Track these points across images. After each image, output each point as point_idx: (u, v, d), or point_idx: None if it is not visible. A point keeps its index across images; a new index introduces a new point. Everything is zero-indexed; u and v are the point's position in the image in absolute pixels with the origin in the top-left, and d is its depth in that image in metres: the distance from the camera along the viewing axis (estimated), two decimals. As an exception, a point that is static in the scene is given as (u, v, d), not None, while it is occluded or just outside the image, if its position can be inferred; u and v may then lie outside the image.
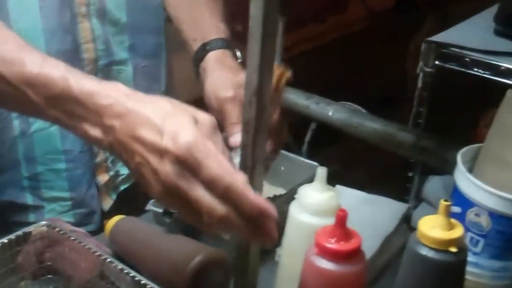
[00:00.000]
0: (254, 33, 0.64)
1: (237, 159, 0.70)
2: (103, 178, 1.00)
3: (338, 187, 1.05)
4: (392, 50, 1.87)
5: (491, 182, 0.83)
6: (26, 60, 0.60)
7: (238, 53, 0.89)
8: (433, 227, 0.69)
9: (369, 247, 0.89)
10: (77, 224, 0.95)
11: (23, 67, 0.59)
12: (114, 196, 1.02)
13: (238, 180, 0.53)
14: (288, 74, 0.74)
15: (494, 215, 0.79)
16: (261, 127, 0.70)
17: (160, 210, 0.87)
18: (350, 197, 1.02)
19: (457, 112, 1.47)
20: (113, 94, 0.57)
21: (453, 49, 1.17)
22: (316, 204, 0.72)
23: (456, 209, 0.83)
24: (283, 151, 1.07)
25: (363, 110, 1.16)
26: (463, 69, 1.17)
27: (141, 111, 0.55)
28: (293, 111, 1.09)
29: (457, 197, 0.83)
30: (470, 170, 0.87)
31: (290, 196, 0.81)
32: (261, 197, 0.61)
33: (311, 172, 1.03)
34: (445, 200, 0.70)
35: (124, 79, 0.99)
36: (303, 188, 0.74)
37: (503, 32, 1.20)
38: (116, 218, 0.90)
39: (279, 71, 0.75)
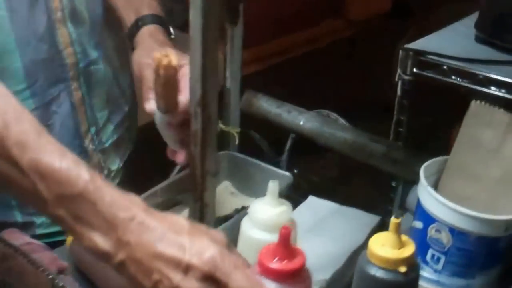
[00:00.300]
0: (194, 42, 0.63)
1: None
2: None
3: (310, 198, 1.03)
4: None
5: (456, 196, 0.81)
6: (45, 148, 0.54)
7: (172, 30, 0.93)
8: (383, 245, 0.67)
9: (338, 259, 0.87)
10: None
11: (40, 156, 0.54)
12: None
13: None
14: (169, 61, 0.72)
15: (455, 232, 0.76)
16: (209, 139, 0.69)
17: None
18: (322, 208, 1.00)
19: (438, 119, 1.44)
20: (133, 208, 0.54)
21: (431, 56, 1.14)
22: (266, 219, 0.71)
23: (418, 225, 0.81)
24: (257, 161, 1.06)
25: (341, 119, 1.14)
26: (440, 77, 1.14)
27: (161, 227, 0.53)
28: (265, 120, 1.07)
29: (420, 212, 0.81)
30: (436, 183, 0.85)
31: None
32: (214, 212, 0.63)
33: (285, 182, 1.02)
34: (396, 217, 0.68)
35: (101, 78, 1.00)
36: (254, 203, 0.72)
37: (483, 39, 1.17)
38: (77, 231, 0.89)
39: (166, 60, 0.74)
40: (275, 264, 0.62)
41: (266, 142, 1.14)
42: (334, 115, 1.14)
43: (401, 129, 1.20)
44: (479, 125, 0.80)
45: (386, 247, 0.67)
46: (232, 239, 0.75)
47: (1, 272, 0.76)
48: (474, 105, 0.81)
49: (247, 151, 1.11)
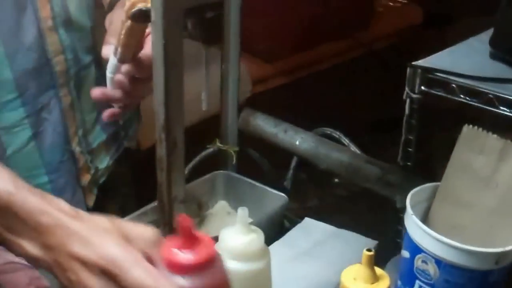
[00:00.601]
0: (157, 65, 0.62)
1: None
2: (85, 179, 1.02)
3: (306, 219, 1.01)
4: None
5: (447, 225, 0.77)
6: None
7: None
8: (355, 279, 0.64)
9: (329, 284, 0.84)
10: None
11: None
12: (95, 191, 1.04)
13: (165, 285, 0.52)
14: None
15: (441, 263, 0.72)
16: (175, 165, 0.68)
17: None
18: (317, 231, 0.98)
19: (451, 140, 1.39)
20: (55, 213, 0.57)
21: (439, 74, 1.09)
22: (235, 248, 0.68)
23: (405, 254, 0.77)
24: (252, 181, 1.04)
25: (344, 139, 1.11)
26: (449, 96, 1.09)
27: (80, 229, 0.55)
28: (263, 139, 1.05)
29: (407, 240, 0.77)
30: (427, 211, 0.81)
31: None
32: None
33: (281, 203, 1.00)
34: (368, 250, 0.64)
35: (92, 81, 1.00)
36: (224, 231, 0.70)
37: (498, 56, 1.11)
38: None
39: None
40: (178, 256, 0.53)
41: (266, 161, 1.12)
42: (336, 134, 1.11)
43: (410, 149, 1.15)
44: (472, 151, 0.76)
45: (358, 281, 0.64)
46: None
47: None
48: (467, 129, 0.77)
49: (248, 170, 1.09)
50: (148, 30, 0.73)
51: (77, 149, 1.00)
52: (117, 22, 0.80)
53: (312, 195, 1.98)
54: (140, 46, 0.76)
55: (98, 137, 1.04)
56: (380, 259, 0.95)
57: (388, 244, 1.06)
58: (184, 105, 0.64)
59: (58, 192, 0.97)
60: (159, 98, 0.62)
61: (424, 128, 1.17)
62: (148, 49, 0.74)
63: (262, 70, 2.07)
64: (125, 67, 0.80)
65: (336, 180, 2.01)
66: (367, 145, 1.35)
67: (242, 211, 0.68)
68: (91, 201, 1.04)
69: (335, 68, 2.24)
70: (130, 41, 0.74)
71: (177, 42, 0.61)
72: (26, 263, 0.86)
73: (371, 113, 2.30)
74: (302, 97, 2.11)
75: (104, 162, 1.06)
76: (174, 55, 0.61)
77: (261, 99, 1.95)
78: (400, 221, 1.15)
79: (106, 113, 0.90)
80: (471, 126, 0.77)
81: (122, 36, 0.73)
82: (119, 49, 0.75)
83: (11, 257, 0.85)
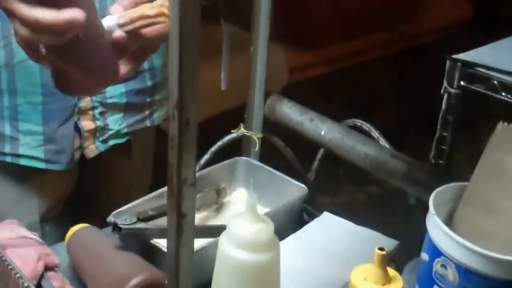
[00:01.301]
0: (173, 40, 0.59)
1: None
2: (87, 125, 0.99)
3: (325, 214, 0.97)
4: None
5: (472, 230, 0.72)
6: None
7: None
8: (365, 279, 0.60)
9: (341, 281, 0.81)
10: (47, 160, 0.97)
11: None
12: (101, 148, 1.01)
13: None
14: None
15: (462, 269, 0.67)
16: (186, 145, 0.65)
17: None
18: (335, 226, 0.94)
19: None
20: None
21: (480, 69, 1.03)
22: (242, 236, 0.65)
23: (424, 256, 0.73)
24: (273, 170, 1.01)
25: (374, 132, 1.06)
26: (490, 93, 1.02)
27: None
28: (288, 128, 1.01)
29: (427, 243, 0.72)
30: (452, 212, 0.76)
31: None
32: None
33: (299, 195, 0.96)
34: (380, 249, 0.60)
35: None
36: (233, 219, 0.67)
37: (545, 53, 1.04)
38: (77, 227, 0.88)
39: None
40: None
41: (290, 151, 1.08)
42: (367, 126, 1.06)
43: (443, 147, 1.09)
44: (504, 151, 0.70)
45: (368, 281, 0.60)
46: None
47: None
48: (501, 128, 0.72)
49: (270, 159, 1.06)
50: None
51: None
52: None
53: (343, 190, 1.93)
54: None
55: (116, 97, 0.99)
56: (402, 261, 0.90)
57: (414, 246, 1.02)
58: (198, 83, 0.61)
59: (46, 117, 0.95)
60: (173, 74, 0.59)
61: (461, 125, 1.11)
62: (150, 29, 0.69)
63: (301, 58, 2.02)
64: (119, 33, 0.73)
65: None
66: (401, 141, 1.29)
67: (251, 200, 0.65)
68: (92, 153, 1.01)
69: (377, 60, 2.18)
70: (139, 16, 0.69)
71: (194, 16, 0.58)
72: (37, 238, 0.85)
73: (411, 109, 2.22)
74: (340, 88, 2.05)
75: (116, 124, 1.02)
76: (190, 29, 0.58)
77: (298, 89, 1.91)
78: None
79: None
80: (506, 124, 0.71)
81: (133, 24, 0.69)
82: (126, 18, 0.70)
83: (23, 231, 0.84)
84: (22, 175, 1.00)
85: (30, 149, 0.97)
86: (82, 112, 0.98)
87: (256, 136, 1.02)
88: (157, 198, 0.91)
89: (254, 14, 0.92)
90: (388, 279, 0.60)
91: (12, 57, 0.92)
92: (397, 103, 2.17)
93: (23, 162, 0.97)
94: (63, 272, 0.83)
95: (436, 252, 0.70)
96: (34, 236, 0.84)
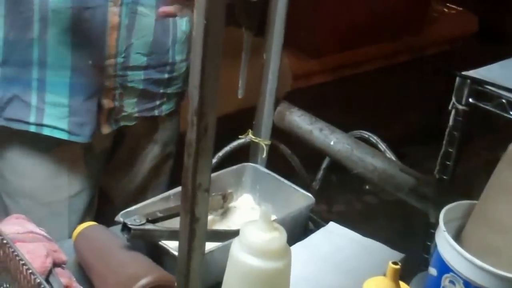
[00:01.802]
0: (196, 46, 0.60)
1: None
2: (108, 103, 1.01)
3: (331, 224, 0.98)
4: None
5: (480, 248, 0.73)
6: None
7: None
8: (377, 292, 0.61)
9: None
10: (70, 132, 0.99)
11: None
12: (114, 127, 1.04)
13: None
14: None
15: (471, 286, 0.68)
16: (203, 151, 0.65)
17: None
18: (341, 237, 0.94)
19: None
20: None
21: (489, 87, 1.04)
22: (255, 243, 0.66)
23: (433, 271, 0.73)
24: (280, 177, 1.01)
25: (381, 144, 1.07)
26: (498, 111, 1.03)
27: None
28: (297, 136, 1.02)
29: (436, 258, 0.73)
30: (460, 229, 0.76)
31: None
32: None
33: (306, 204, 0.97)
34: (394, 263, 0.61)
35: (145, 25, 0.99)
36: (246, 225, 0.68)
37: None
38: (84, 225, 0.89)
39: None
40: None
41: (297, 159, 1.09)
42: (374, 138, 1.07)
43: (448, 163, 1.10)
44: (515, 171, 0.71)
45: (380, 294, 0.60)
46: (225, 260, 0.71)
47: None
48: (513, 148, 0.72)
49: (276, 166, 1.06)
50: None
51: (110, 68, 0.98)
52: None
53: (340, 199, 1.94)
54: None
55: (135, 82, 1.02)
56: (404, 273, 0.91)
57: (415, 259, 1.02)
58: (218, 90, 0.62)
59: (73, 90, 0.97)
60: (195, 80, 0.60)
61: (466, 142, 1.12)
62: None
63: (305, 65, 2.03)
64: None
65: (367, 187, 1.97)
66: (404, 153, 1.30)
67: (265, 208, 0.66)
68: (106, 130, 1.04)
69: (381, 70, 2.18)
70: None
71: (219, 24, 0.58)
72: (46, 234, 0.85)
73: (413, 121, 2.23)
74: (343, 97, 2.06)
75: (130, 108, 1.04)
76: (215, 37, 0.59)
77: (300, 95, 1.91)
78: (429, 236, 1.11)
79: (161, 9, 0.87)
80: (517, 144, 0.72)
81: None
82: None
83: (31, 227, 0.84)
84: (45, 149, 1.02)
85: (55, 119, 0.99)
86: (106, 90, 1.00)
87: (264, 142, 1.03)
88: (164, 200, 0.92)
89: (269, 22, 0.93)
90: (399, 293, 0.61)
91: (46, 31, 0.94)
92: (398, 113, 2.18)
93: (46, 132, 0.99)
94: (68, 269, 0.84)
95: (444, 268, 0.71)
96: (42, 231, 0.84)
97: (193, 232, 0.68)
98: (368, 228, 1.02)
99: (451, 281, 0.70)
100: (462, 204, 0.76)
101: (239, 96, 0.74)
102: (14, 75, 0.97)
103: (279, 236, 0.67)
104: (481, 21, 2.39)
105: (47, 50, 0.95)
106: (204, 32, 0.59)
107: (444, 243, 0.71)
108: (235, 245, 0.68)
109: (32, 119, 0.99)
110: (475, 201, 0.75)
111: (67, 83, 0.97)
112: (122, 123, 1.05)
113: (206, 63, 0.61)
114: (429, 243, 1.11)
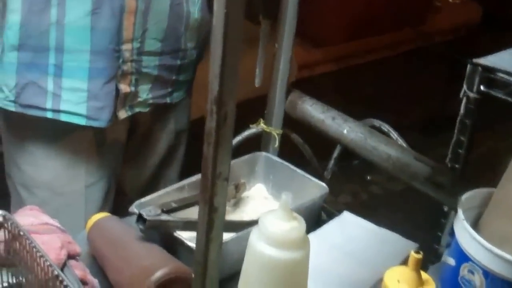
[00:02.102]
0: (216, 35, 0.59)
1: None
2: (124, 88, 1.01)
3: (345, 213, 0.97)
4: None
5: (498, 236, 0.72)
6: None
7: None
8: (398, 281, 0.60)
9: (365, 282, 0.81)
10: (88, 117, 0.99)
11: None
12: (129, 112, 1.04)
13: None
14: None
15: (489, 275, 0.68)
16: (224, 140, 0.65)
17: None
18: (355, 227, 0.94)
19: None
20: None
21: (501, 74, 1.03)
22: (274, 233, 0.65)
23: (450, 261, 0.73)
24: (293, 166, 1.01)
25: (393, 133, 1.06)
26: (510, 99, 1.03)
27: None
28: (309, 125, 1.01)
29: (454, 247, 0.73)
30: (478, 218, 0.76)
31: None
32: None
33: (320, 193, 0.96)
34: (416, 252, 0.61)
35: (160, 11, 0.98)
36: (266, 215, 0.67)
37: None
38: (98, 216, 0.88)
39: None
40: None
41: (309, 147, 1.08)
42: (385, 127, 1.06)
43: (460, 151, 1.10)
44: (535, 159, 0.71)
45: (402, 284, 0.60)
46: (242, 250, 0.71)
47: (13, 251, 0.75)
48: (532, 136, 0.72)
49: (287, 155, 1.06)
50: None
51: (127, 53, 0.98)
52: None
53: (346, 190, 1.93)
54: None
55: (150, 68, 1.02)
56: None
57: (424, 250, 1.02)
58: (238, 79, 0.61)
59: (92, 74, 0.97)
60: (215, 69, 0.59)
61: (478, 130, 1.11)
62: None
63: (310, 55, 2.03)
64: None
65: (369, 177, 1.97)
66: (415, 141, 1.30)
67: (286, 197, 0.65)
68: (122, 115, 1.03)
69: (386, 60, 2.18)
70: None
71: (239, 12, 0.58)
72: (60, 225, 0.85)
73: (419, 109, 2.23)
74: (349, 86, 2.06)
75: (144, 94, 1.04)
76: (235, 26, 0.58)
77: (306, 85, 1.91)
78: (441, 226, 1.11)
79: None
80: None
81: None
82: None
83: (46, 218, 0.84)
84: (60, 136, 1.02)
85: (72, 105, 0.98)
86: (123, 75, 1.00)
87: (276, 132, 1.02)
88: (178, 190, 0.91)
89: (281, 12, 0.92)
90: (421, 283, 0.61)
91: (64, 15, 0.94)
92: (402, 102, 2.17)
93: (63, 118, 0.99)
94: (82, 261, 0.83)
95: (463, 257, 0.70)
96: (56, 223, 0.84)
97: (212, 222, 0.68)
98: (375, 218, 1.02)
99: (470, 271, 0.70)
100: (479, 192, 0.75)
101: (256, 85, 0.73)
102: (31, 60, 0.96)
103: (298, 225, 0.66)
104: (484, 9, 2.39)
105: (64, 35, 0.94)
106: (224, 20, 0.59)
107: (463, 232, 0.70)
108: (254, 235, 0.67)
109: (48, 105, 0.98)
110: (493, 189, 0.75)
111: (86, 68, 0.97)
112: (137, 109, 1.05)
113: (227, 52, 0.60)
114: (439, 233, 1.11)
